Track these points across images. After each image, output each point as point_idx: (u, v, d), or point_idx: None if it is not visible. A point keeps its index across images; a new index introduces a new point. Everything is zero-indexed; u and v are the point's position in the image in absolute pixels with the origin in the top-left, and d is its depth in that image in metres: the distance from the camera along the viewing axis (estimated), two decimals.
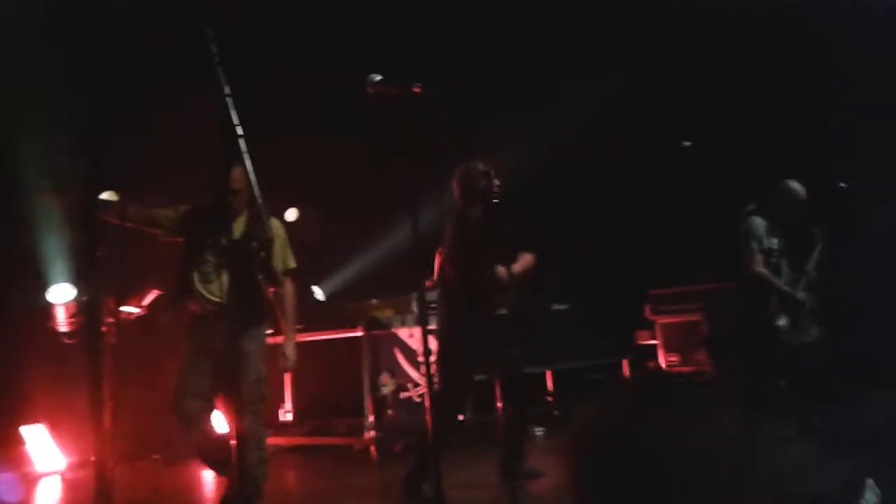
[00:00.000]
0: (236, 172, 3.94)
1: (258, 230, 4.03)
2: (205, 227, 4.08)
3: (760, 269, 4.83)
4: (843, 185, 4.96)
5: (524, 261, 4.43)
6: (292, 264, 4.33)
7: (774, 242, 4.92)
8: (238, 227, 4.13)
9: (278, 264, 4.23)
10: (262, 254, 4.04)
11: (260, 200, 3.26)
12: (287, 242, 4.34)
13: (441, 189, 4.36)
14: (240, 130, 2.68)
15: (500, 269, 4.28)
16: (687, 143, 4.33)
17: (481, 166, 4.38)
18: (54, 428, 6.28)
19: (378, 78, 3.04)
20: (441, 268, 4.47)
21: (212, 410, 4.11)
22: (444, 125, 4.36)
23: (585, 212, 7.78)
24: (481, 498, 4.23)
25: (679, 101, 7.15)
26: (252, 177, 3.02)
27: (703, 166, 5.46)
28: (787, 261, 4.96)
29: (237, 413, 3.20)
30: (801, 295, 4.85)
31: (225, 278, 4.07)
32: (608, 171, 7.64)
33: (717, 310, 7.31)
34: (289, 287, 4.30)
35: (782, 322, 4.83)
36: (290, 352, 4.28)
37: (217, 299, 4.09)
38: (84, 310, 5.78)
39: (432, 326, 6.44)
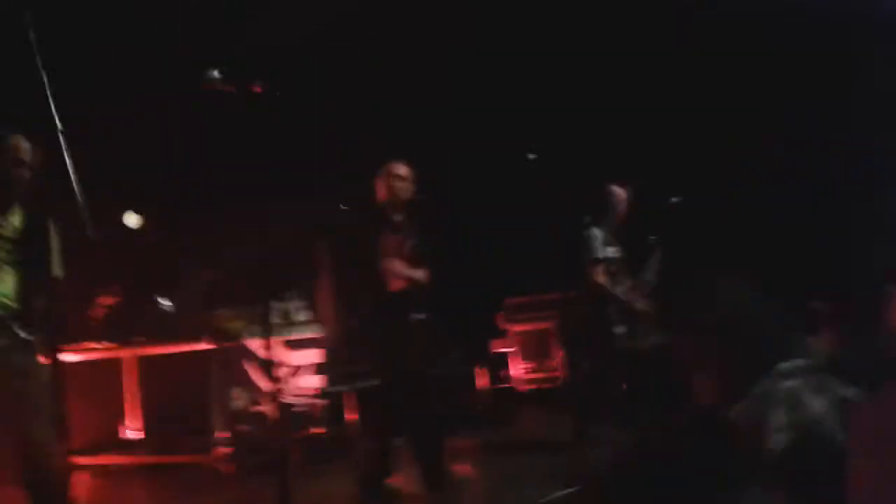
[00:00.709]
0: (18, 142, 3.31)
1: (40, 223, 3.43)
2: None
3: (598, 278, 5.05)
4: (674, 200, 5.26)
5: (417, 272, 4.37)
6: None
7: (610, 252, 5.13)
8: (15, 216, 3.39)
9: (56, 270, 3.56)
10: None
11: (78, 190, 2.88)
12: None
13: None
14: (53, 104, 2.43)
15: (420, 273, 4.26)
16: (532, 156, 4.48)
17: (405, 169, 4.33)
18: None
19: (215, 74, 2.90)
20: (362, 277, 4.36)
21: None
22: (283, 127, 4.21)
23: (438, 221, 7.85)
24: None
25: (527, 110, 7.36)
26: (70, 166, 2.73)
27: (550, 176, 5.64)
28: (625, 269, 5.21)
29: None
30: (639, 304, 5.10)
31: (10, 277, 3.32)
32: (460, 181, 7.74)
33: (565, 318, 7.60)
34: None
35: (619, 329, 5.05)
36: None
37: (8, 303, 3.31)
38: None
39: (289, 337, 6.34)
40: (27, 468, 3.18)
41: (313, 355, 6.51)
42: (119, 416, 6.41)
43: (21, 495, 3.19)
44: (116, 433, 6.36)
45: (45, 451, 3.25)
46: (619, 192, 5.22)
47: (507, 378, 8.34)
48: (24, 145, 3.31)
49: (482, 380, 7.77)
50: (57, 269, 3.49)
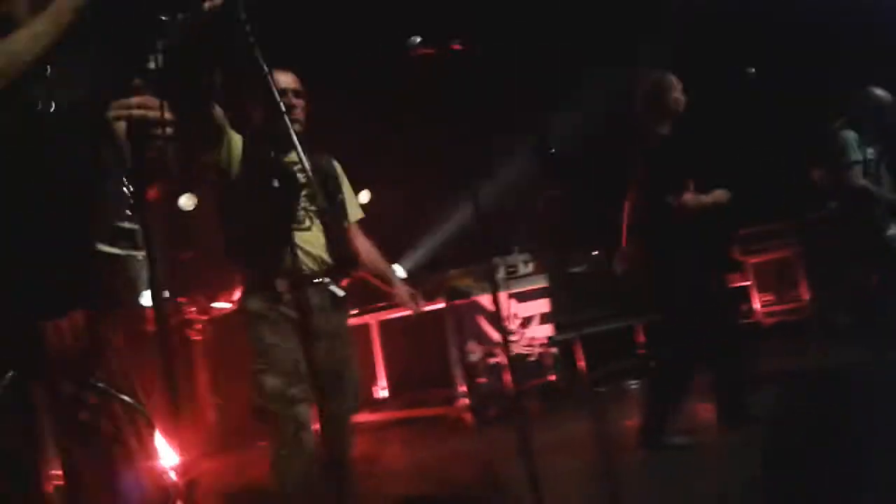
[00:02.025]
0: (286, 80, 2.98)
1: (328, 164, 3.19)
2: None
3: (860, 181, 4.68)
4: None
5: (717, 195, 4.09)
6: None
7: (870, 153, 4.78)
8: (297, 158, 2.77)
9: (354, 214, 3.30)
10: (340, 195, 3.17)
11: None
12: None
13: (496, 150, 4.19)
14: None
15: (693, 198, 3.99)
16: (752, 70, 4.17)
17: (675, 79, 4.09)
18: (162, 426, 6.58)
19: (418, 40, 2.84)
20: (637, 209, 4.13)
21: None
22: (493, 81, 4.15)
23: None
24: None
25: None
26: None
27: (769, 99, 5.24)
28: (885, 169, 4.79)
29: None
30: None
31: (318, 228, 2.98)
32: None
33: (816, 237, 7.02)
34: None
35: (893, 231, 4.70)
36: None
37: (320, 256, 2.98)
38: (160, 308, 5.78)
39: (517, 290, 6.48)
40: (326, 438, 2.71)
41: (541, 305, 6.61)
42: (372, 378, 6.93)
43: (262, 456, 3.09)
44: (370, 393, 6.89)
45: (346, 424, 2.98)
46: (883, 95, 4.82)
47: (749, 312, 7.91)
48: (284, 74, 2.98)
49: None
50: (355, 213, 3.27)
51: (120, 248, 1.80)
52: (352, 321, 6.84)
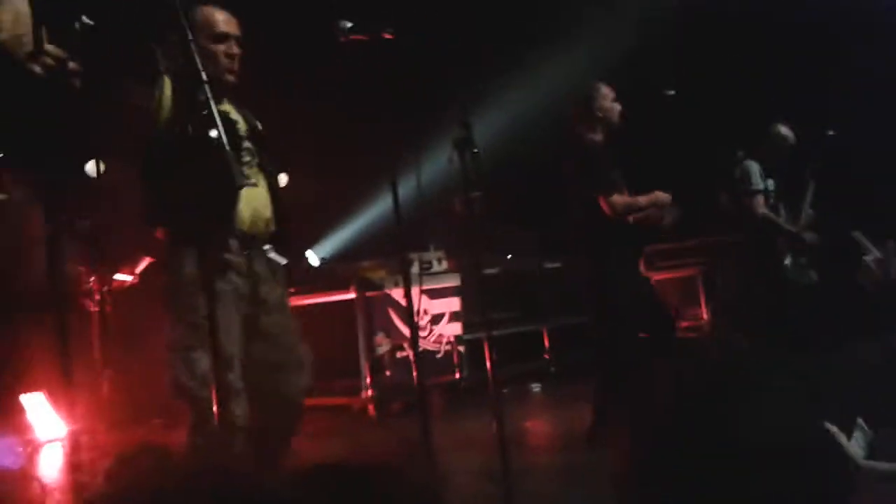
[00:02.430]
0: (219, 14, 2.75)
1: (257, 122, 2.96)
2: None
3: (764, 210, 4.90)
4: (829, 132, 5.02)
5: (655, 196, 4.16)
6: None
7: (770, 184, 5.01)
8: (230, 111, 2.80)
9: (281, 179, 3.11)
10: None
11: (225, 141, 2.33)
12: None
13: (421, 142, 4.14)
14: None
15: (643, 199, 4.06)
16: (670, 92, 4.34)
17: (606, 88, 4.17)
18: (53, 396, 6.33)
19: (348, 25, 2.73)
20: (572, 214, 4.18)
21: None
22: (421, 73, 4.10)
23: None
24: None
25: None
26: (217, 118, 2.30)
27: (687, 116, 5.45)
28: (783, 202, 5.03)
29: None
30: (808, 235, 4.95)
31: (263, 188, 2.74)
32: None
33: (722, 260, 7.31)
34: None
35: (788, 262, 4.94)
36: None
37: (265, 217, 2.75)
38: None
39: (428, 286, 6.50)
40: (266, 414, 2.64)
41: (452, 303, 6.65)
42: None
43: (153, 433, 2.79)
44: None
45: (299, 406, 2.83)
46: (788, 133, 5.07)
47: None
48: (229, 18, 2.74)
49: None
50: (282, 178, 3.07)
51: None
52: None
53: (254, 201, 2.68)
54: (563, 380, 6.82)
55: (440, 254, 6.76)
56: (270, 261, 2.76)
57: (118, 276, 5.96)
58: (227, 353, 2.47)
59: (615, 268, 4.03)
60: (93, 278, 5.50)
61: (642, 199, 4.14)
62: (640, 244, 4.39)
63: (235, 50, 2.74)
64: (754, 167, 4.99)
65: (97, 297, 5.41)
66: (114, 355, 5.53)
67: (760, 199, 4.94)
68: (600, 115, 4.15)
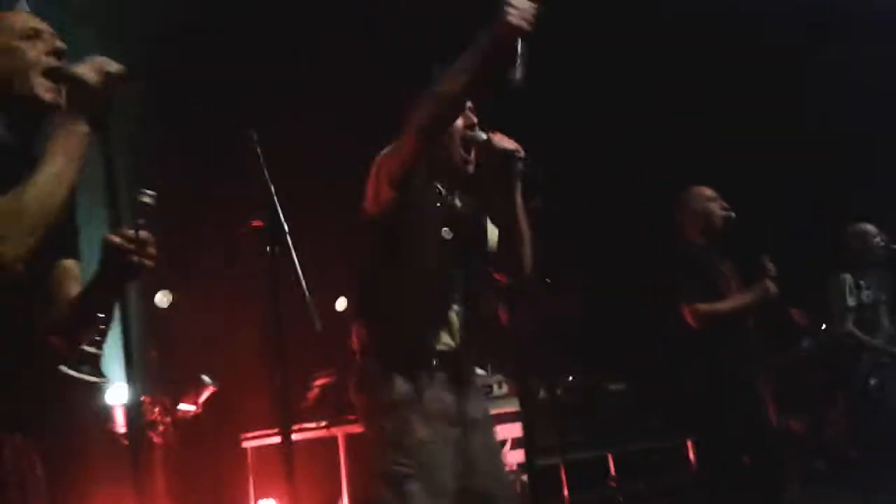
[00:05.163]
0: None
1: None
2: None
3: (847, 328, 4.64)
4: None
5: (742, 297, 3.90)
6: None
7: (866, 295, 4.71)
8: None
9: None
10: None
11: (305, 286, 2.32)
12: None
13: None
14: None
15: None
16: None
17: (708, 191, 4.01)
18: None
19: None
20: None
21: None
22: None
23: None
24: None
25: None
26: (297, 263, 2.30)
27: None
28: (886, 311, 4.74)
29: None
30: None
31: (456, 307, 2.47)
32: None
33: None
34: None
35: (873, 382, 4.64)
36: None
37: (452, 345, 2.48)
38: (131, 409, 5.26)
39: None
40: None
41: (513, 429, 6.46)
42: (336, 499, 6.63)
43: None
44: None
45: None
46: (871, 230, 4.76)
47: None
48: None
49: None
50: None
51: (83, 372, 1.75)
52: (316, 434, 6.67)
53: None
54: None
55: (499, 377, 6.63)
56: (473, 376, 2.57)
57: (181, 406, 5.96)
58: (437, 479, 2.27)
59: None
60: (157, 409, 5.52)
61: (721, 306, 3.84)
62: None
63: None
64: (845, 280, 4.70)
65: (161, 428, 5.41)
66: (175, 489, 5.45)
67: (848, 316, 4.67)
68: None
